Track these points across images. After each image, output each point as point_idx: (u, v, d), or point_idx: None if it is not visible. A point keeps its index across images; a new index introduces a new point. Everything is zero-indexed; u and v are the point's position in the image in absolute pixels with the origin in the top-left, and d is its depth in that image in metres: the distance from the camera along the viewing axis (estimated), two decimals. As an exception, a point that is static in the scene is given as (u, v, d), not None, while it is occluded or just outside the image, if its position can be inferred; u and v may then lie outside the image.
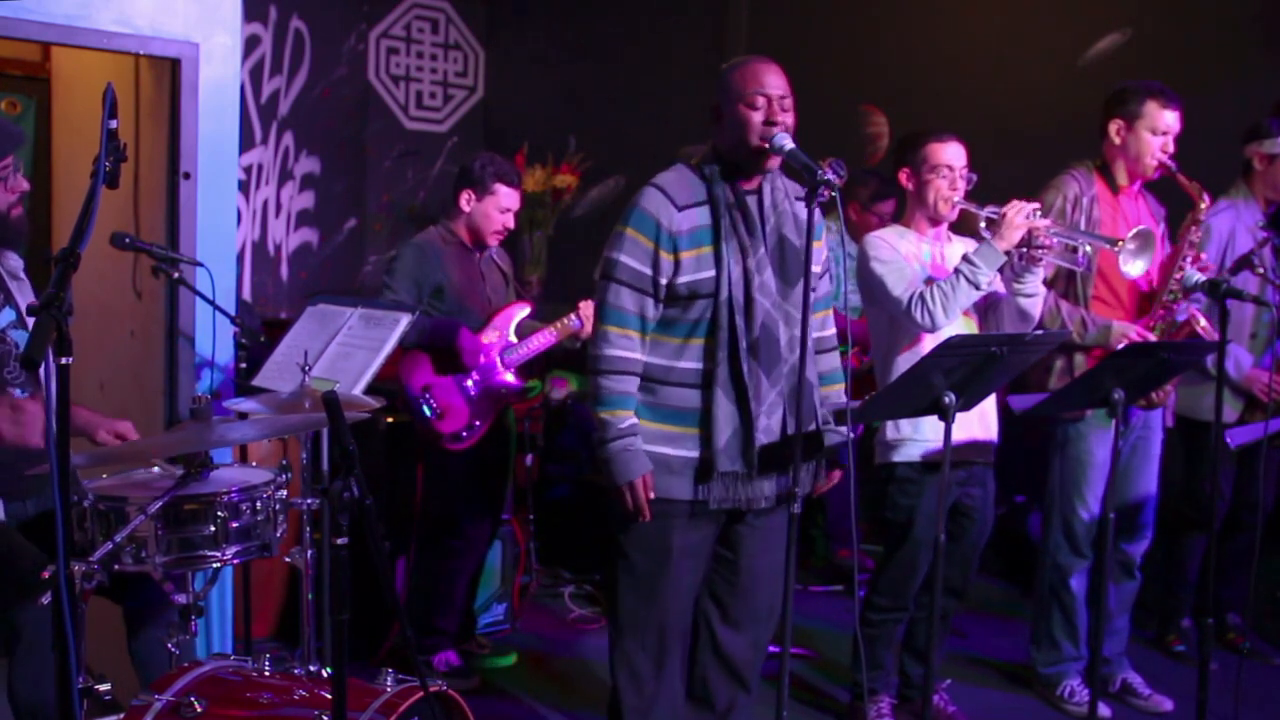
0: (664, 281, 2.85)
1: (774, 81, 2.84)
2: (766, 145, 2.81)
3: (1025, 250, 3.42)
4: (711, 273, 2.84)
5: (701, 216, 2.86)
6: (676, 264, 2.85)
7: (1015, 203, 3.42)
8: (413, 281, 4.01)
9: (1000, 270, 3.46)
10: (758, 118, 2.82)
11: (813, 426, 2.97)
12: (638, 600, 2.96)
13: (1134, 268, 3.48)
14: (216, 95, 3.77)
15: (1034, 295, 3.51)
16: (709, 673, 3.08)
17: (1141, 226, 3.53)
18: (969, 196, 3.59)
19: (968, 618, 4.92)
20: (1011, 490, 5.69)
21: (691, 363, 2.88)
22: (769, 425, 2.87)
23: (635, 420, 2.86)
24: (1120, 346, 3.69)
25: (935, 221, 3.64)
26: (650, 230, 2.84)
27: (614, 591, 3.02)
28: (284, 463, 2.98)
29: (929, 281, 3.49)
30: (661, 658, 2.98)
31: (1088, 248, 3.51)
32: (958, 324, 3.52)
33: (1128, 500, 4.01)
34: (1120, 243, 3.45)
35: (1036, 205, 3.42)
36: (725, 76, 2.90)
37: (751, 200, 2.90)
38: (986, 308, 3.63)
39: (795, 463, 2.72)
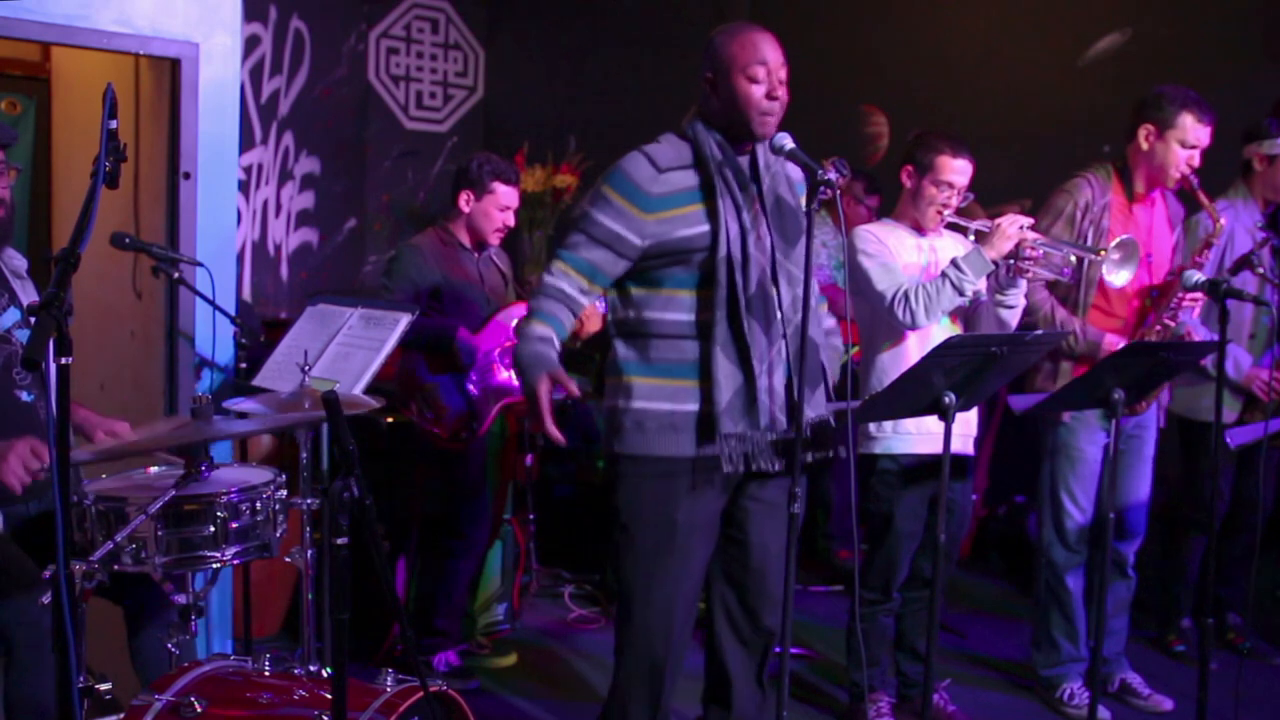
0: (639, 243, 2.82)
1: (772, 53, 2.81)
2: (771, 118, 2.81)
3: (1012, 262, 3.43)
4: (702, 228, 2.80)
5: (686, 178, 2.83)
6: (656, 224, 2.81)
7: (1009, 214, 3.43)
8: (410, 283, 4.00)
9: (986, 277, 3.48)
10: (759, 91, 2.79)
11: (820, 391, 2.91)
12: (645, 578, 2.89)
13: (1117, 278, 3.46)
14: (216, 95, 3.77)
15: (1014, 307, 3.53)
16: (730, 660, 3.00)
17: (1125, 236, 3.51)
18: (958, 212, 3.61)
19: (968, 618, 4.93)
20: (1011, 490, 5.69)
21: (680, 314, 2.84)
22: (771, 385, 2.82)
23: (552, 334, 2.84)
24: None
25: (920, 227, 3.66)
26: (629, 191, 2.81)
27: (620, 571, 2.96)
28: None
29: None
30: (670, 631, 2.91)
31: (1073, 259, 3.49)
32: (943, 322, 3.55)
33: (1120, 500, 4.01)
34: (1103, 252, 3.44)
35: (1030, 220, 3.43)
36: (718, 45, 2.83)
37: (744, 160, 2.87)
38: (968, 311, 3.65)
39: (795, 463, 2.71)
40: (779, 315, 2.84)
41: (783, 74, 2.82)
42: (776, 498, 2.94)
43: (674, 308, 2.85)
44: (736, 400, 2.79)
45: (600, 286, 2.89)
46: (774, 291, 2.84)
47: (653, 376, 2.85)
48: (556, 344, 2.84)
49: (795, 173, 2.99)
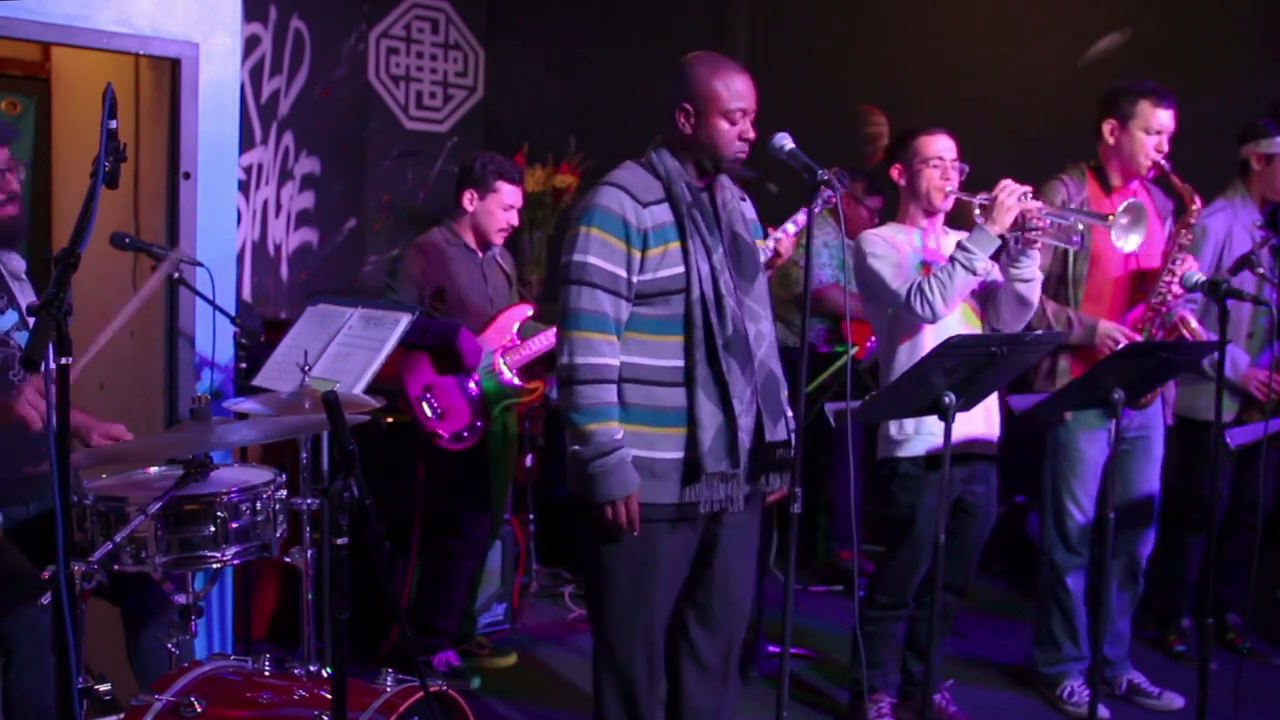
0: (635, 280, 2.78)
1: (751, 94, 2.81)
2: (743, 157, 2.82)
3: (1020, 234, 3.40)
4: (679, 269, 2.77)
5: (665, 213, 2.80)
6: (643, 261, 2.77)
7: (1005, 184, 3.38)
8: (414, 283, 4.01)
9: (997, 257, 3.45)
10: (734, 132, 2.80)
11: (781, 423, 2.90)
12: (626, 611, 2.87)
13: (1128, 243, 3.40)
14: (216, 95, 3.77)
15: (1031, 280, 3.47)
16: (685, 679, 3.01)
17: (1132, 200, 3.47)
18: (962, 188, 3.59)
19: (968, 618, 4.92)
20: (1012, 490, 5.69)
21: (670, 360, 2.79)
22: (747, 424, 2.81)
23: (622, 431, 2.76)
24: (1105, 346, 3.71)
25: (930, 214, 3.63)
26: (618, 229, 2.75)
27: (599, 604, 2.92)
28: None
29: (925, 267, 3.49)
30: (651, 663, 2.92)
31: (1080, 226, 3.46)
32: (958, 313, 3.52)
33: (1129, 501, 4.01)
34: (1111, 217, 3.39)
35: (1028, 188, 3.39)
36: (700, 78, 2.80)
37: (704, 198, 2.87)
38: (985, 296, 3.61)
39: (795, 462, 2.73)
40: (750, 353, 2.83)
41: (754, 115, 2.83)
42: (744, 522, 2.95)
43: (650, 353, 2.79)
44: (719, 440, 2.78)
45: (622, 333, 2.80)
46: (745, 330, 2.82)
47: (632, 423, 2.77)
48: (626, 445, 2.75)
49: (749, 210, 3.01)
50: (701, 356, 2.77)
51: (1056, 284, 3.86)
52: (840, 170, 2.76)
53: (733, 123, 2.79)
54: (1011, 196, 3.36)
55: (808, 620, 4.79)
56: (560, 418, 2.84)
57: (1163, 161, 3.76)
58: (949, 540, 3.59)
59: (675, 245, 2.78)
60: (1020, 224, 3.38)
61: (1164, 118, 3.76)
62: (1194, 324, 3.82)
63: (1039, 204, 3.40)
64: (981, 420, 3.59)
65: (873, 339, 4.69)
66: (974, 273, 3.39)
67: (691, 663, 3.01)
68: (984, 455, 3.65)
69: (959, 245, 3.42)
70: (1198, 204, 3.81)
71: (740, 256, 2.87)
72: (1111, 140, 3.84)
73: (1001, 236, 3.38)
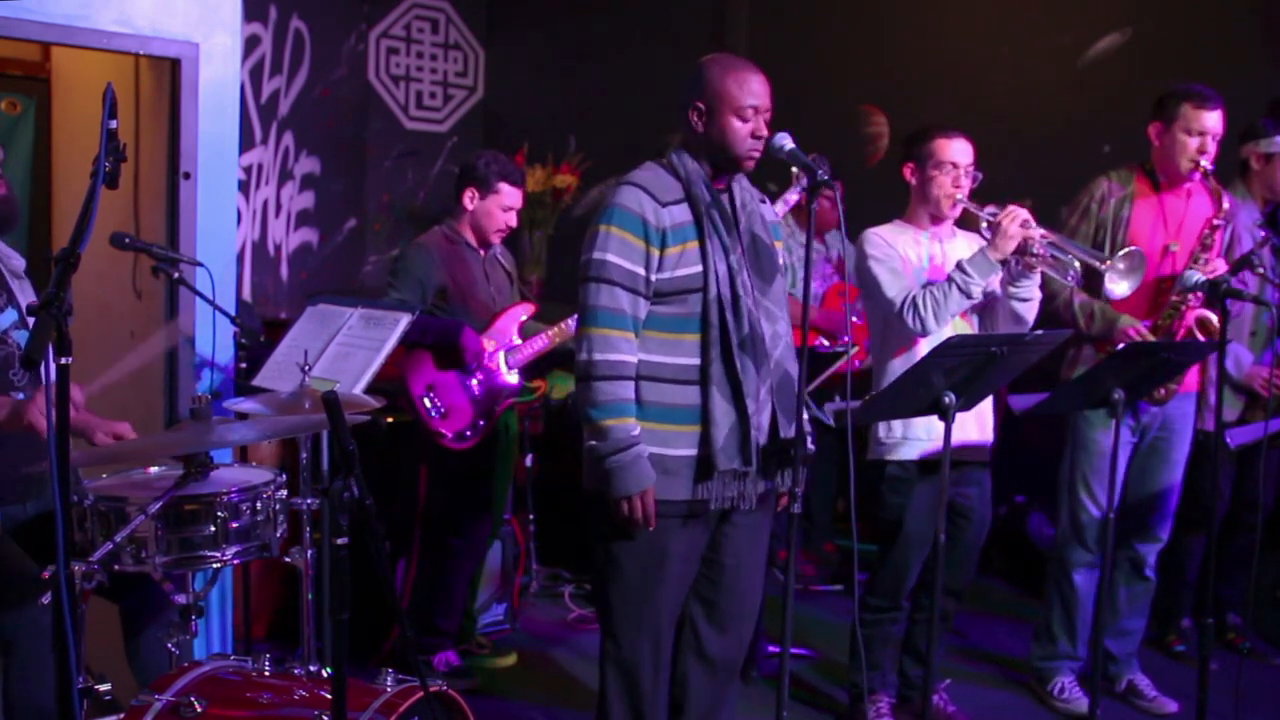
0: (653, 278, 2.80)
1: (764, 93, 2.83)
2: (757, 155, 2.83)
3: (1020, 257, 3.41)
4: (697, 268, 2.79)
5: (683, 213, 2.82)
6: (662, 260, 2.80)
7: (1011, 210, 3.39)
8: (416, 282, 4.01)
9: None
10: (746, 130, 2.81)
11: (795, 425, 2.89)
12: (633, 605, 2.90)
13: (1118, 287, 3.42)
14: (216, 95, 3.77)
15: (1029, 300, 3.49)
16: (690, 675, 3.02)
17: (1134, 248, 3.50)
18: (972, 196, 3.58)
19: (967, 617, 4.92)
20: (1011, 490, 5.69)
21: (686, 359, 2.81)
22: (760, 422, 2.84)
23: (639, 427, 2.79)
24: (1121, 343, 3.70)
25: (937, 219, 3.63)
26: (637, 227, 2.78)
27: (606, 599, 2.95)
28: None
29: (926, 286, 3.48)
30: (657, 660, 2.94)
31: (1077, 264, 3.48)
32: (952, 324, 3.51)
33: (1141, 500, 4.01)
34: (1109, 261, 3.42)
35: (1028, 216, 3.39)
36: (713, 78, 2.83)
37: (723, 199, 2.89)
38: (984, 308, 3.62)
39: (796, 462, 2.72)
40: (766, 353, 2.85)
41: (769, 115, 2.84)
42: (756, 521, 2.97)
43: (666, 351, 2.82)
44: (732, 438, 2.80)
45: (640, 331, 2.82)
46: (762, 330, 2.84)
47: (646, 420, 2.80)
48: (642, 441, 2.78)
49: (769, 212, 3.02)
50: (717, 355, 2.79)
51: (1089, 274, 3.85)
52: (818, 156, 2.76)
53: (744, 120, 2.81)
54: (1015, 223, 3.36)
55: (808, 620, 4.78)
56: (578, 413, 2.86)
57: (1205, 164, 3.76)
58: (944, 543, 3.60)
59: (693, 244, 2.80)
60: (1023, 248, 3.38)
61: (1207, 120, 3.76)
62: (1216, 323, 3.80)
63: (1041, 232, 3.40)
64: (974, 427, 3.58)
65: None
66: (969, 296, 3.41)
67: (697, 659, 3.02)
68: (975, 460, 3.65)
69: (959, 266, 3.41)
70: (1227, 204, 3.84)
71: (759, 257, 2.89)
72: (1157, 142, 3.87)
73: (1002, 260, 3.39)
